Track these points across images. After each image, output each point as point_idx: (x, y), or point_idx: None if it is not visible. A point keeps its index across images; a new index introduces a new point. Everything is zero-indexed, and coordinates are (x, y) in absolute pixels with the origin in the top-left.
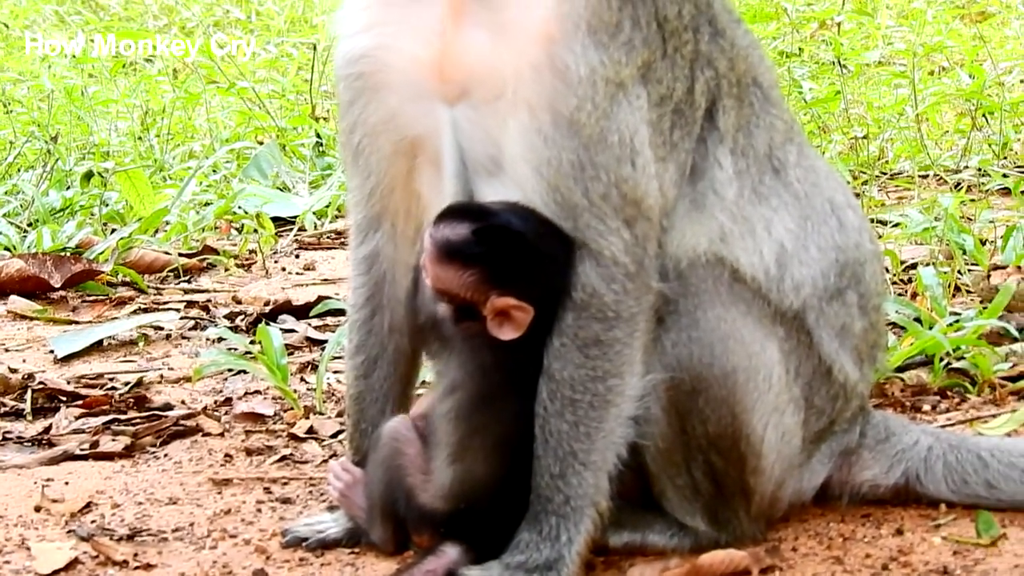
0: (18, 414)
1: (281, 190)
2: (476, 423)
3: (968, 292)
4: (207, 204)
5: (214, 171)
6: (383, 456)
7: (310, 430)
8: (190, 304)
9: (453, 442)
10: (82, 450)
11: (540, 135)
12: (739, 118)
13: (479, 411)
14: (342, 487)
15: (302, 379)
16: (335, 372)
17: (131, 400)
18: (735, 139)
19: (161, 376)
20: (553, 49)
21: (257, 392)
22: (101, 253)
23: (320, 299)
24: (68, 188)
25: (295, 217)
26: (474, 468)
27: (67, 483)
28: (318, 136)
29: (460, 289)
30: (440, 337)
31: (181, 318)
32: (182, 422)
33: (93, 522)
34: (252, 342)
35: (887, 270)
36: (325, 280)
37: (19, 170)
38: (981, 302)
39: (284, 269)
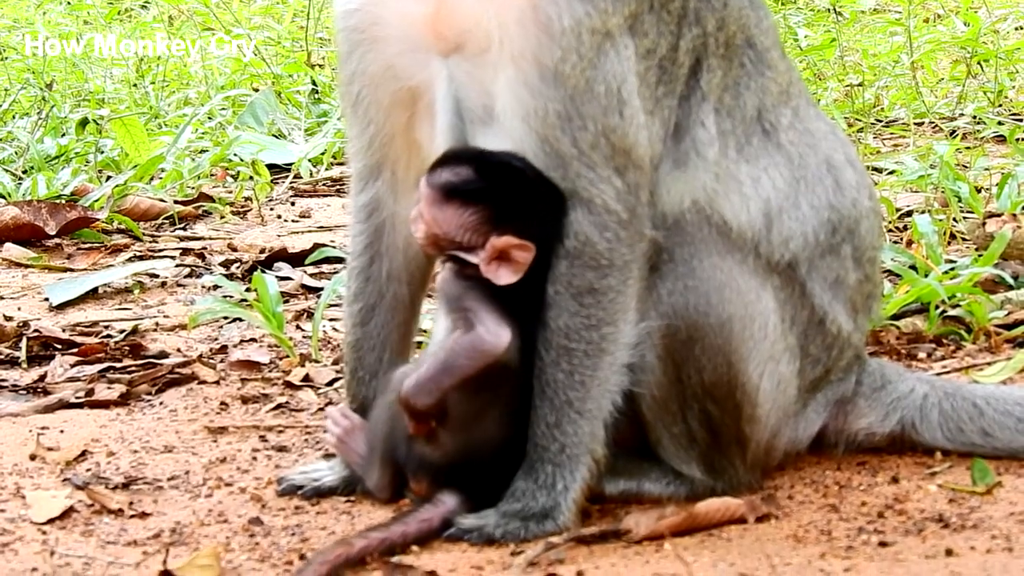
0: (13, 362)
1: (277, 137)
2: (488, 392)
3: (963, 240)
4: (203, 151)
5: (209, 118)
6: (391, 400)
7: (306, 378)
8: (185, 252)
9: (464, 408)
10: (77, 398)
11: (526, 87)
12: (726, 78)
13: (490, 380)
14: (340, 433)
15: (298, 327)
16: (331, 320)
17: (126, 348)
18: (720, 99)
19: (156, 324)
20: (537, 2)
21: (253, 340)
22: (96, 200)
23: (316, 247)
24: (63, 135)
25: (291, 164)
26: (484, 432)
27: (62, 431)
28: (314, 83)
29: (459, 231)
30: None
31: (176, 266)
32: (177, 370)
33: (88, 470)
34: (248, 290)
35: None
36: (321, 227)
37: (14, 117)
38: (976, 250)
39: (280, 217)
